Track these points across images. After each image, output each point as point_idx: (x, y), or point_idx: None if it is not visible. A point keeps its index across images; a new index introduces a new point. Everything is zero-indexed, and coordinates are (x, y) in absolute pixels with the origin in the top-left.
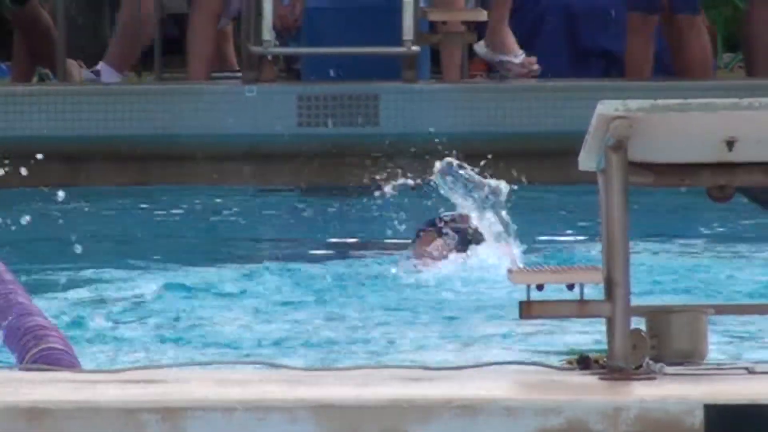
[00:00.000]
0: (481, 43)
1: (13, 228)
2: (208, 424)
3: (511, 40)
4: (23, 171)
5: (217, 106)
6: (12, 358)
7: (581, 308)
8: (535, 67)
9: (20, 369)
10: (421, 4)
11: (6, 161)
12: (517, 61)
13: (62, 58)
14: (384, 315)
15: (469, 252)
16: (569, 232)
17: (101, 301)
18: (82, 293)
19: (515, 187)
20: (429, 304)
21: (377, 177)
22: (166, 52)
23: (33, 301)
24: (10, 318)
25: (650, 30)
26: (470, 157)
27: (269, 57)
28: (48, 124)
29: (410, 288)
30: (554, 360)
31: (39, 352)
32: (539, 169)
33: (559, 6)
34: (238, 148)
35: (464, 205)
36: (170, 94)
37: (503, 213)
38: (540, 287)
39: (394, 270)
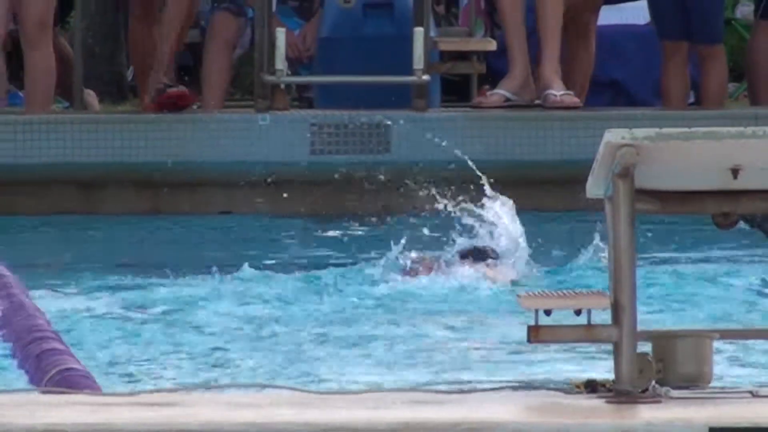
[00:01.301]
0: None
1: (32, 252)
2: None
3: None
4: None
5: (231, 134)
6: (25, 377)
7: (588, 333)
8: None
9: (41, 392)
10: (431, 34)
11: (24, 188)
12: (559, 93)
13: (79, 87)
14: (394, 336)
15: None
16: (576, 258)
17: (115, 324)
18: (97, 316)
19: (523, 214)
20: (436, 324)
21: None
22: (180, 81)
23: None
24: (28, 339)
25: (683, 57)
26: (478, 184)
27: (282, 86)
28: (65, 151)
29: (420, 309)
30: (562, 384)
31: (58, 373)
32: (547, 196)
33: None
34: (251, 176)
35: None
36: (185, 122)
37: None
38: (548, 312)
39: (401, 292)
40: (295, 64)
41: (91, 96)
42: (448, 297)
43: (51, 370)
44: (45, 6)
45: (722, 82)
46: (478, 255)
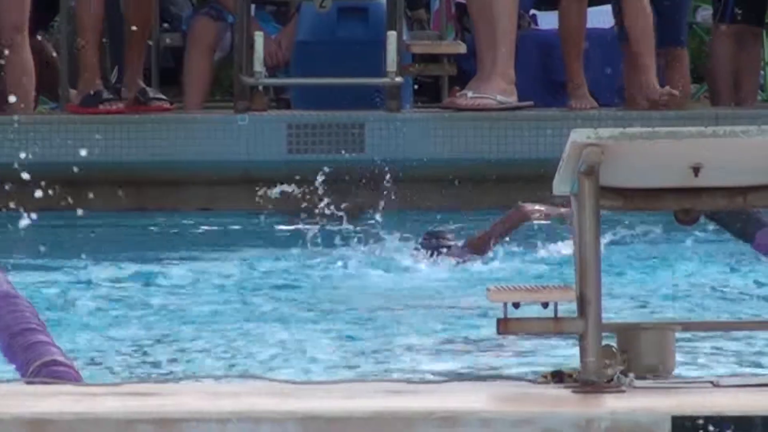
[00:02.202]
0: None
1: (18, 248)
2: None
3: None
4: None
5: (211, 134)
6: (12, 368)
7: (555, 325)
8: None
9: (25, 382)
10: (404, 38)
11: (7, 187)
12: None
13: (65, 88)
14: (371, 329)
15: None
16: (544, 253)
17: (97, 317)
18: (81, 309)
19: (493, 211)
20: (405, 315)
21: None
22: (162, 82)
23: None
24: (14, 331)
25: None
26: (448, 182)
27: (260, 87)
28: (50, 150)
29: (389, 300)
30: (530, 374)
31: (42, 365)
32: (515, 193)
33: (534, 39)
34: (231, 174)
35: None
36: (166, 123)
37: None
38: (516, 305)
39: (371, 284)
40: (273, 69)
41: (76, 96)
42: (418, 288)
43: (35, 361)
44: (21, 10)
45: (687, 84)
46: (435, 240)
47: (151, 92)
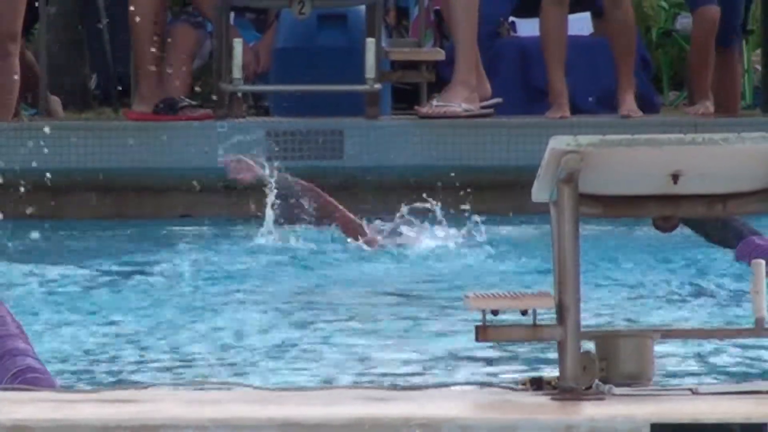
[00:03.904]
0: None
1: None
2: None
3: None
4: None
5: (190, 141)
6: None
7: (534, 332)
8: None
9: (1, 389)
10: (383, 45)
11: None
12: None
13: (45, 95)
14: (351, 332)
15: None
16: (522, 260)
17: (76, 324)
18: (58, 318)
19: (474, 219)
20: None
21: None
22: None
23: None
24: None
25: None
26: (427, 189)
27: (239, 94)
28: (31, 157)
29: (372, 303)
30: (509, 381)
31: (18, 372)
32: (494, 201)
33: (514, 47)
34: (210, 181)
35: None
36: (146, 129)
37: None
38: (495, 312)
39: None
40: (252, 76)
41: (56, 103)
42: (399, 294)
43: (12, 368)
44: (16, 19)
45: (735, 84)
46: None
47: (179, 101)
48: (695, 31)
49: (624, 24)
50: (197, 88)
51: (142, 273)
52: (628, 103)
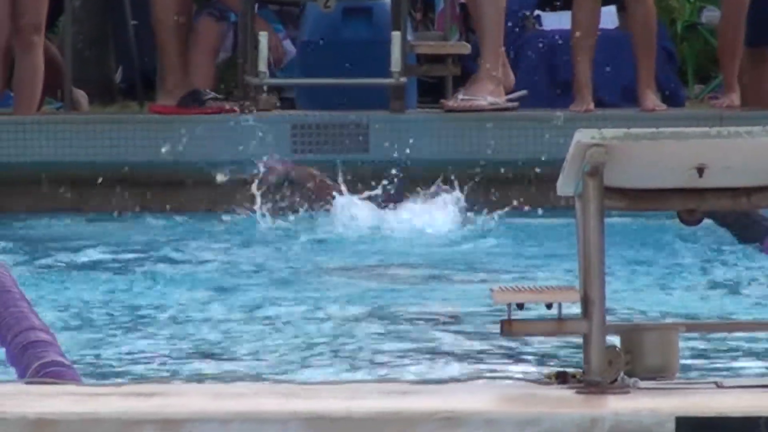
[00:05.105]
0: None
1: (23, 249)
2: None
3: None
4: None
5: (215, 134)
6: (12, 369)
7: (559, 326)
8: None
9: (26, 383)
10: (408, 38)
11: (16, 187)
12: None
13: (69, 88)
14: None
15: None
16: (548, 253)
17: (101, 318)
18: (84, 312)
19: (498, 213)
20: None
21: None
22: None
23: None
24: (17, 330)
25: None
26: (451, 182)
27: (264, 87)
28: (56, 150)
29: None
30: (534, 374)
31: (41, 366)
32: (519, 194)
33: (539, 40)
34: (236, 175)
35: None
36: (172, 123)
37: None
38: (520, 306)
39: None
40: (272, 68)
41: (81, 96)
42: (421, 286)
43: (35, 362)
44: (41, 10)
45: None
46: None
47: (204, 93)
48: (723, 21)
49: (644, 19)
50: (222, 84)
51: (165, 266)
52: (649, 100)
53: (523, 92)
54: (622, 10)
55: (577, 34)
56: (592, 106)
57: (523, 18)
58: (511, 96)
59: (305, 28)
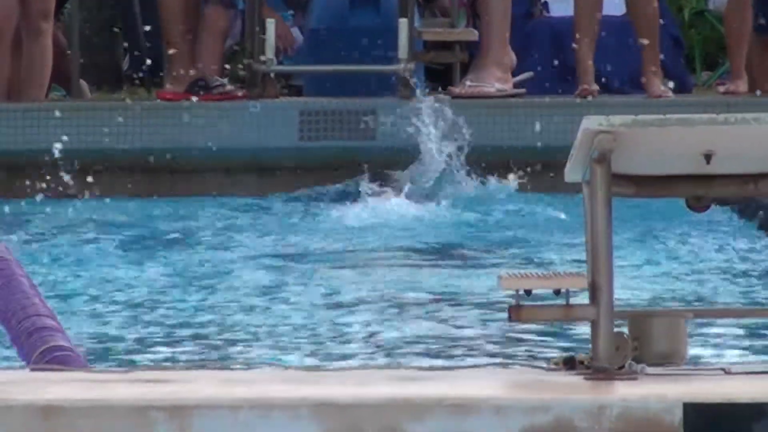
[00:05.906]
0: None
1: (30, 234)
2: (214, 421)
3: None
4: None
5: (223, 121)
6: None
7: (567, 312)
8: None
9: (32, 369)
10: (416, 25)
11: (24, 173)
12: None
13: (76, 76)
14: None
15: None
16: (556, 239)
17: (109, 304)
18: (91, 297)
19: (505, 196)
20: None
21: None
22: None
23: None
24: (22, 316)
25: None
26: (460, 169)
27: (272, 75)
28: (62, 137)
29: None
30: (541, 361)
31: (47, 351)
32: (527, 180)
33: (547, 27)
34: (242, 161)
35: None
36: (180, 109)
37: None
38: (528, 292)
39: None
40: (279, 55)
41: (83, 86)
42: (429, 273)
43: (40, 347)
44: None
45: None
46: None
47: (212, 80)
48: (730, 8)
49: (645, 4)
50: (228, 67)
51: (174, 252)
52: (655, 85)
53: (529, 74)
54: None
55: (580, 19)
56: (595, 87)
57: (531, 5)
58: (517, 79)
59: (313, 16)
